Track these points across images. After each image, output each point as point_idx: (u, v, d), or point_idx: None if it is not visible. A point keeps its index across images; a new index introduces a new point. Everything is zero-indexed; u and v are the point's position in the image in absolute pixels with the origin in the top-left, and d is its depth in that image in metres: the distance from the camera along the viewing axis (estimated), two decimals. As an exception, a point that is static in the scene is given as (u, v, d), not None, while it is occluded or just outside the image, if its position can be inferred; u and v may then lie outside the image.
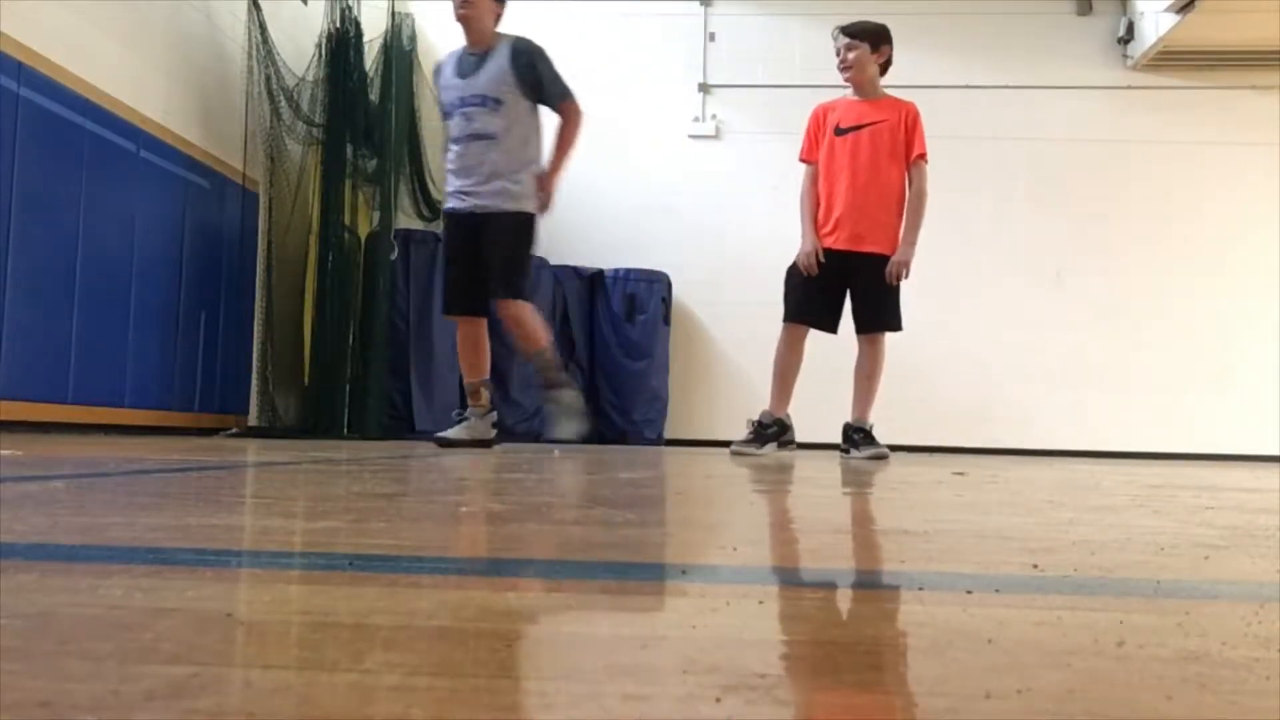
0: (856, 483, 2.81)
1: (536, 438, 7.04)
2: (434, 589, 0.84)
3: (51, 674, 0.53)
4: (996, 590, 0.87)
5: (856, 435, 4.60)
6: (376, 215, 6.97)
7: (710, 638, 0.66)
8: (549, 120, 4.63)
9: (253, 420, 6.24)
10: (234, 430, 5.94)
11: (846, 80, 4.69)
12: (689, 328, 8.42)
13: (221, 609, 0.72)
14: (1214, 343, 8.14)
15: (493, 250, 4.46)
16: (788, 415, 4.63)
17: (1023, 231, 8.37)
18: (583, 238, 8.24)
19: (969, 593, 0.84)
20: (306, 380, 6.54)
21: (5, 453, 2.71)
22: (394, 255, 6.83)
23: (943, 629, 0.71)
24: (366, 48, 6.84)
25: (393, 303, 6.87)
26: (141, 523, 1.26)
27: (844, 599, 0.89)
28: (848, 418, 4.65)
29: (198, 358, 5.74)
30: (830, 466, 3.84)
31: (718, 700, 0.51)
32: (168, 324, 5.48)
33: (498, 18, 4.58)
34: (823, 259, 4.55)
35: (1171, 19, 7.62)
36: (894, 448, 4.86)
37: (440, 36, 4.99)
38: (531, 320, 4.53)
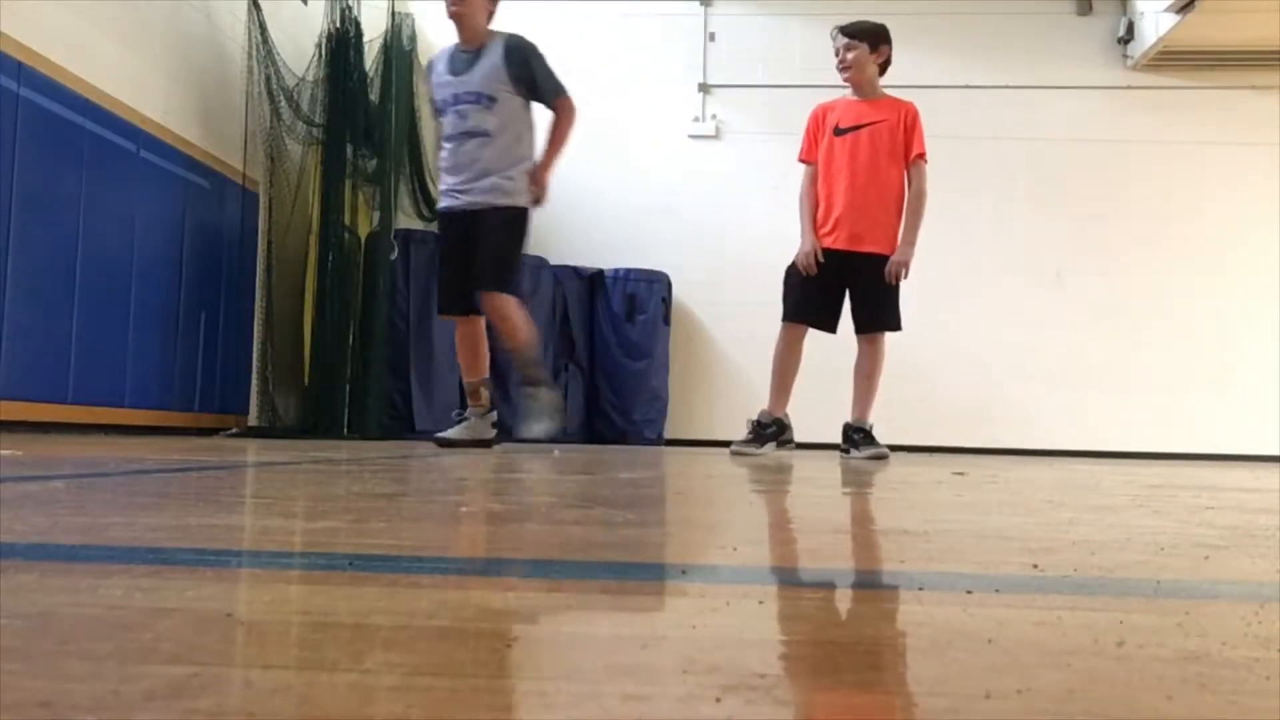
0: (856, 483, 2.81)
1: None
2: (434, 589, 0.84)
3: (51, 674, 0.53)
4: (996, 590, 0.87)
5: (856, 435, 4.60)
6: (376, 215, 6.97)
7: (710, 638, 0.66)
8: (541, 117, 4.62)
9: (253, 420, 6.24)
10: (234, 430, 5.94)
11: (845, 80, 4.69)
12: (689, 328, 8.42)
13: (221, 609, 0.72)
14: (1214, 343, 8.14)
15: (483, 243, 4.45)
16: (786, 415, 4.64)
17: (1023, 231, 8.37)
18: (583, 238, 8.25)
19: (969, 593, 0.84)
20: (306, 380, 6.54)
21: (5, 453, 2.71)
22: (394, 255, 6.84)
23: (943, 629, 0.71)
24: (366, 48, 6.84)
25: (393, 303, 6.87)
26: (141, 523, 1.26)
27: (844, 599, 0.89)
28: (847, 418, 4.65)
29: (198, 358, 5.74)
30: (830, 466, 3.84)
31: (718, 700, 0.51)
32: (168, 324, 5.48)
33: (490, 15, 4.58)
34: (822, 259, 4.55)
35: (1171, 19, 7.62)
36: (894, 448, 4.86)
37: (440, 36, 4.99)
38: (515, 315, 4.50)
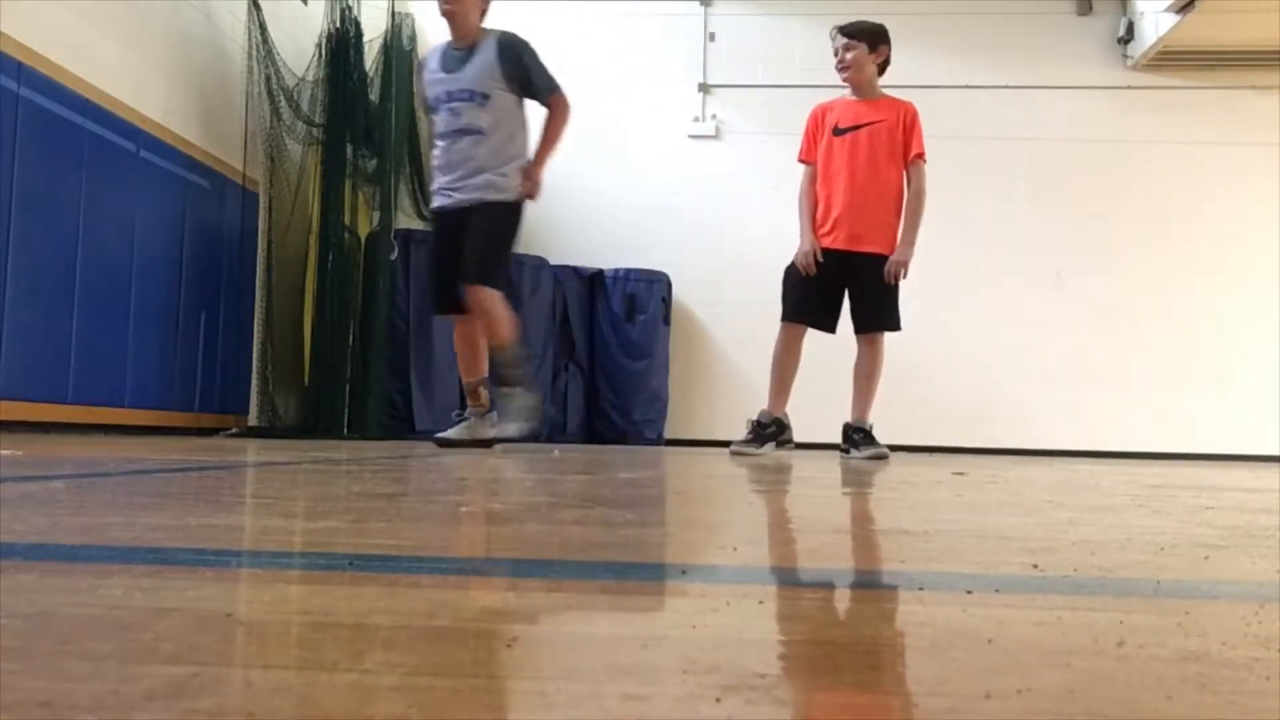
0: (856, 483, 2.81)
1: (536, 438, 7.04)
2: (434, 589, 0.84)
3: (51, 674, 0.53)
4: (996, 590, 0.87)
5: (856, 435, 4.60)
6: (376, 215, 6.97)
7: (710, 638, 0.66)
8: (534, 116, 4.61)
9: (253, 420, 6.24)
10: (234, 430, 5.94)
11: (845, 80, 4.69)
12: (689, 328, 8.42)
13: (221, 609, 0.72)
14: (1214, 343, 8.14)
15: (471, 236, 4.42)
16: (786, 415, 4.64)
17: (1023, 231, 8.37)
18: (583, 238, 8.25)
19: (969, 593, 0.84)
20: (306, 380, 6.54)
21: (5, 453, 2.71)
22: (394, 255, 6.84)
23: (943, 629, 0.71)
24: (366, 48, 6.84)
25: (393, 303, 6.87)
26: (141, 523, 1.26)
27: (844, 599, 0.89)
28: (847, 418, 4.65)
29: (198, 358, 5.74)
30: (830, 466, 3.84)
31: (718, 700, 0.51)
32: (168, 324, 5.48)
33: (483, 13, 4.57)
34: (821, 259, 4.55)
35: (1171, 19, 7.62)
36: (894, 448, 4.86)
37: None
38: (499, 311, 4.44)
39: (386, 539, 1.19)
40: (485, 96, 4.46)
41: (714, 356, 8.43)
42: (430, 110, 4.64)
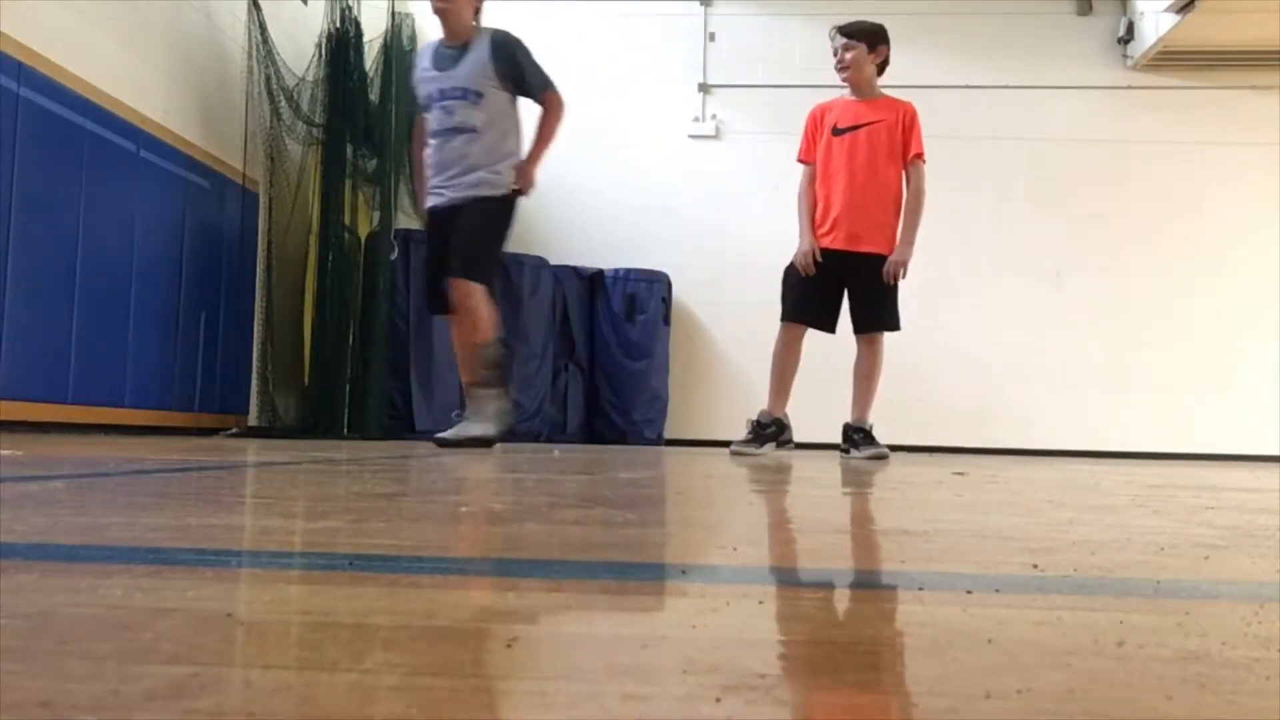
0: (856, 483, 2.81)
1: (536, 438, 7.04)
2: (434, 589, 0.84)
3: (51, 674, 0.53)
4: (996, 590, 0.87)
5: (856, 435, 4.60)
6: (376, 215, 6.98)
7: (710, 638, 0.66)
8: (527, 115, 4.61)
9: (253, 420, 6.24)
10: (234, 430, 5.94)
11: (844, 80, 4.69)
12: (689, 328, 8.42)
13: (221, 609, 0.72)
14: (1214, 343, 8.14)
15: (460, 231, 4.39)
16: (786, 415, 4.64)
17: (1023, 231, 8.37)
18: (583, 238, 8.25)
19: (969, 593, 0.84)
20: (306, 380, 6.55)
21: (5, 453, 2.71)
22: (394, 255, 6.84)
23: (943, 629, 0.71)
24: (366, 48, 6.85)
25: (393, 303, 6.87)
26: (141, 523, 1.26)
27: (844, 599, 0.89)
28: (847, 418, 4.65)
29: (198, 358, 5.74)
30: (830, 466, 3.84)
31: (718, 700, 0.51)
32: (168, 324, 5.48)
33: (476, 11, 4.57)
34: (820, 259, 4.55)
35: (1171, 19, 7.62)
36: (894, 448, 4.86)
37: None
38: (483, 308, 4.39)
39: (386, 539, 1.19)
40: (478, 95, 4.45)
41: (714, 356, 8.43)
42: (423, 109, 4.62)
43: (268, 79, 6.20)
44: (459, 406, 4.91)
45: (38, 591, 0.76)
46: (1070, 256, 8.31)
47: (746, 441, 4.57)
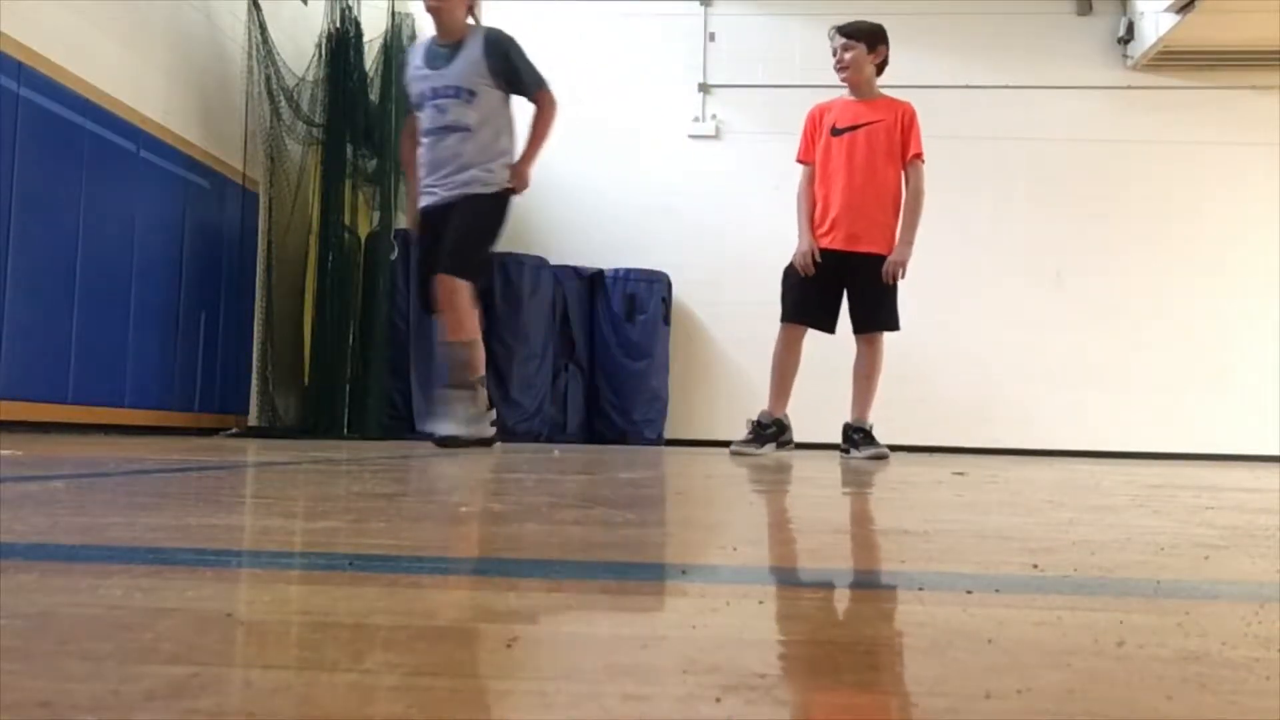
0: (856, 483, 2.81)
1: (536, 438, 7.04)
2: (434, 589, 0.84)
3: (51, 674, 0.53)
4: (996, 590, 0.87)
5: (856, 435, 4.60)
6: (376, 215, 6.97)
7: (710, 638, 0.66)
8: (521, 113, 4.60)
9: (253, 420, 6.24)
10: (234, 430, 5.94)
11: (843, 80, 4.69)
12: (689, 328, 8.42)
13: (221, 609, 0.72)
14: (1214, 343, 8.14)
15: (451, 227, 4.37)
16: (786, 415, 4.64)
17: (1023, 231, 8.37)
18: (583, 238, 8.25)
19: (969, 593, 0.84)
20: (306, 380, 6.55)
21: (5, 453, 2.71)
22: (394, 255, 6.84)
23: (943, 629, 0.71)
24: (366, 48, 6.84)
25: (393, 303, 6.87)
26: (141, 523, 1.26)
27: (844, 599, 0.89)
28: (847, 418, 4.66)
29: (198, 358, 5.74)
30: (830, 466, 3.84)
31: (718, 700, 0.51)
32: (168, 324, 5.48)
33: (469, 9, 4.56)
34: (819, 259, 4.55)
35: (1171, 19, 7.62)
36: (894, 448, 4.86)
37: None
38: (465, 306, 4.35)
39: (386, 539, 1.19)
40: (471, 93, 4.44)
41: (714, 356, 8.43)
42: (415, 107, 4.61)
43: (268, 79, 6.20)
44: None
45: (38, 591, 0.76)
46: (1070, 256, 8.31)
47: (747, 442, 4.57)
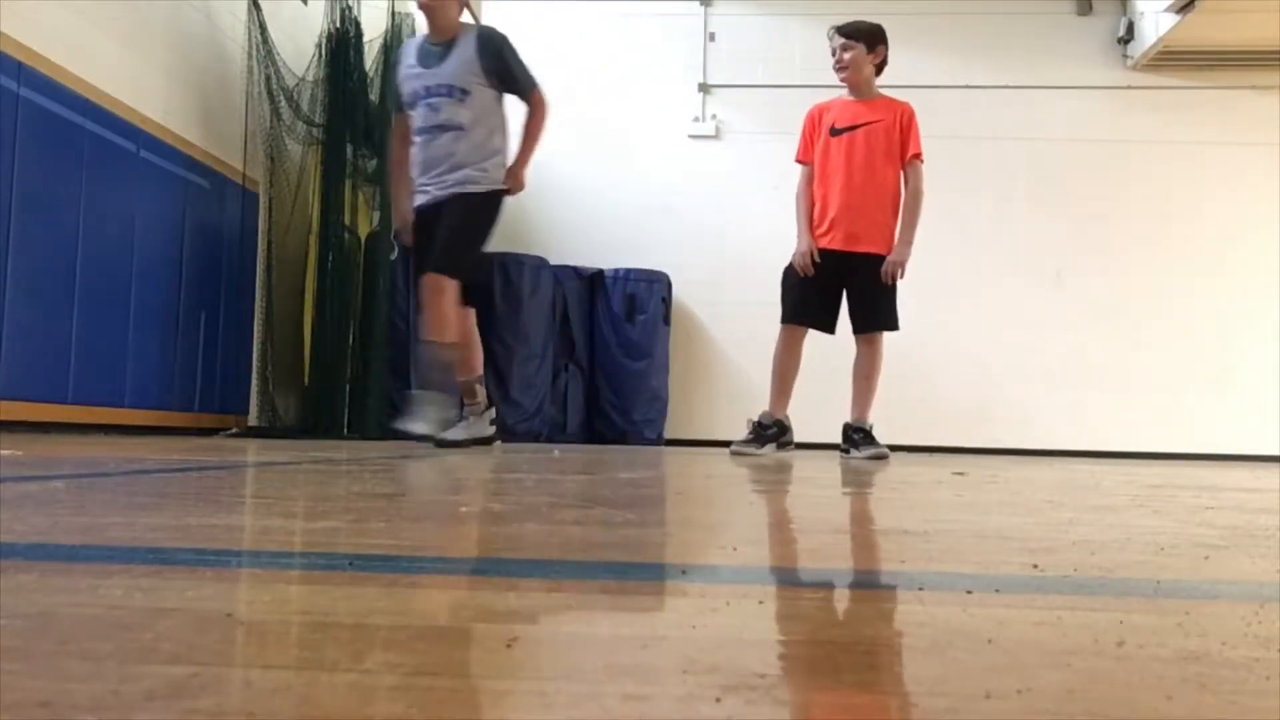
0: (856, 483, 2.81)
1: (536, 438, 7.04)
2: (434, 589, 0.84)
3: (51, 674, 0.53)
4: (996, 590, 0.87)
5: (856, 435, 4.60)
6: (376, 215, 6.97)
7: (710, 638, 0.66)
8: (514, 115, 4.59)
9: (253, 420, 6.24)
10: (234, 430, 5.94)
11: (842, 80, 4.69)
12: (689, 328, 8.42)
13: (221, 609, 0.72)
14: (1214, 343, 8.14)
15: (442, 225, 4.36)
16: (787, 416, 4.64)
17: (1023, 231, 8.37)
18: (583, 238, 8.25)
19: (969, 593, 0.84)
20: (306, 380, 6.55)
21: (5, 453, 2.71)
22: (394, 255, 6.83)
23: (943, 629, 0.71)
24: (366, 48, 6.84)
25: (393, 303, 6.87)
26: (141, 523, 1.26)
27: (844, 599, 0.89)
28: (847, 418, 4.65)
29: (198, 358, 5.74)
30: (830, 466, 3.84)
31: (718, 700, 0.51)
32: (168, 324, 5.48)
33: (462, 8, 4.56)
34: (818, 259, 4.55)
35: (1171, 19, 7.62)
36: (894, 448, 4.86)
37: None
38: (448, 306, 4.33)
39: (386, 539, 1.19)
40: (465, 92, 4.43)
41: (714, 356, 8.43)
42: (408, 106, 4.59)
43: (268, 79, 6.20)
44: (458, 406, 4.90)
45: (38, 591, 0.76)
46: (1070, 256, 8.31)
47: (747, 442, 4.57)
